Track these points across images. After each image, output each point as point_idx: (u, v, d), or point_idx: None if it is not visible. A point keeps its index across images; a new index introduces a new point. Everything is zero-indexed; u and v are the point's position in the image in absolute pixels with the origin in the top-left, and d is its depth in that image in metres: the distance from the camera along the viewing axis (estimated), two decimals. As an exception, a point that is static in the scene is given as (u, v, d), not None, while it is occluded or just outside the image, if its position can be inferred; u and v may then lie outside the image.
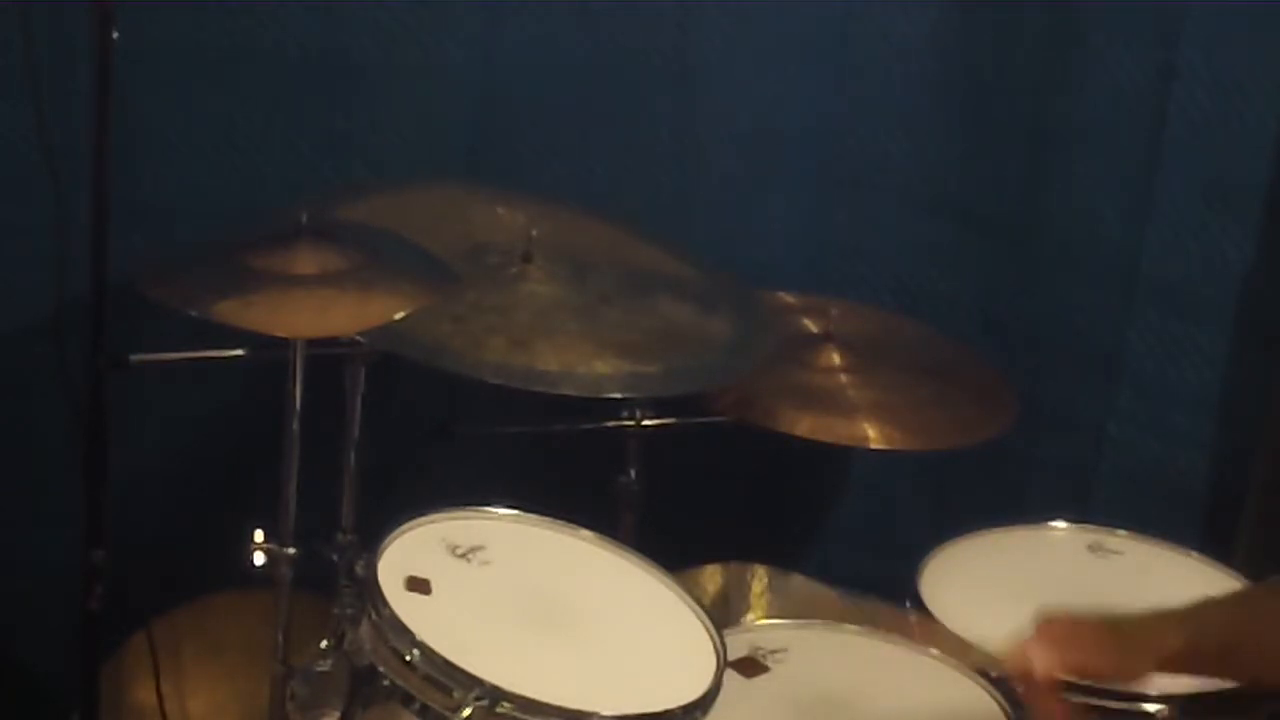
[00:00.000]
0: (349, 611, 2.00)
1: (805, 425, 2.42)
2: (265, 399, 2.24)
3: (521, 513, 2.18)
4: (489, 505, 2.18)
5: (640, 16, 2.68)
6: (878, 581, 2.46)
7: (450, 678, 1.87)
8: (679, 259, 2.53)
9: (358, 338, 2.21)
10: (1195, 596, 1.95)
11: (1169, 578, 2.38)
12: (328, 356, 2.22)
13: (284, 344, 2.17)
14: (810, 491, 2.98)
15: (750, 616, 2.71)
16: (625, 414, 2.52)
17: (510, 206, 2.48)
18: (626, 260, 2.49)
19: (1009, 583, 2.32)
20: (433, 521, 2.12)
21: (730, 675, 2.00)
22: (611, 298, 2.38)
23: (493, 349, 2.21)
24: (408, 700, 1.91)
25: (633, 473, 2.54)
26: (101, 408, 2.24)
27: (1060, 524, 2.47)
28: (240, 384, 2.55)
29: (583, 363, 2.23)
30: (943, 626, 2.16)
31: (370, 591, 1.96)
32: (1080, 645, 1.78)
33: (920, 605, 2.25)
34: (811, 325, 2.60)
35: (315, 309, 2.12)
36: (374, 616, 1.94)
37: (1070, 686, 2.10)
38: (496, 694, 1.85)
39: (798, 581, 2.78)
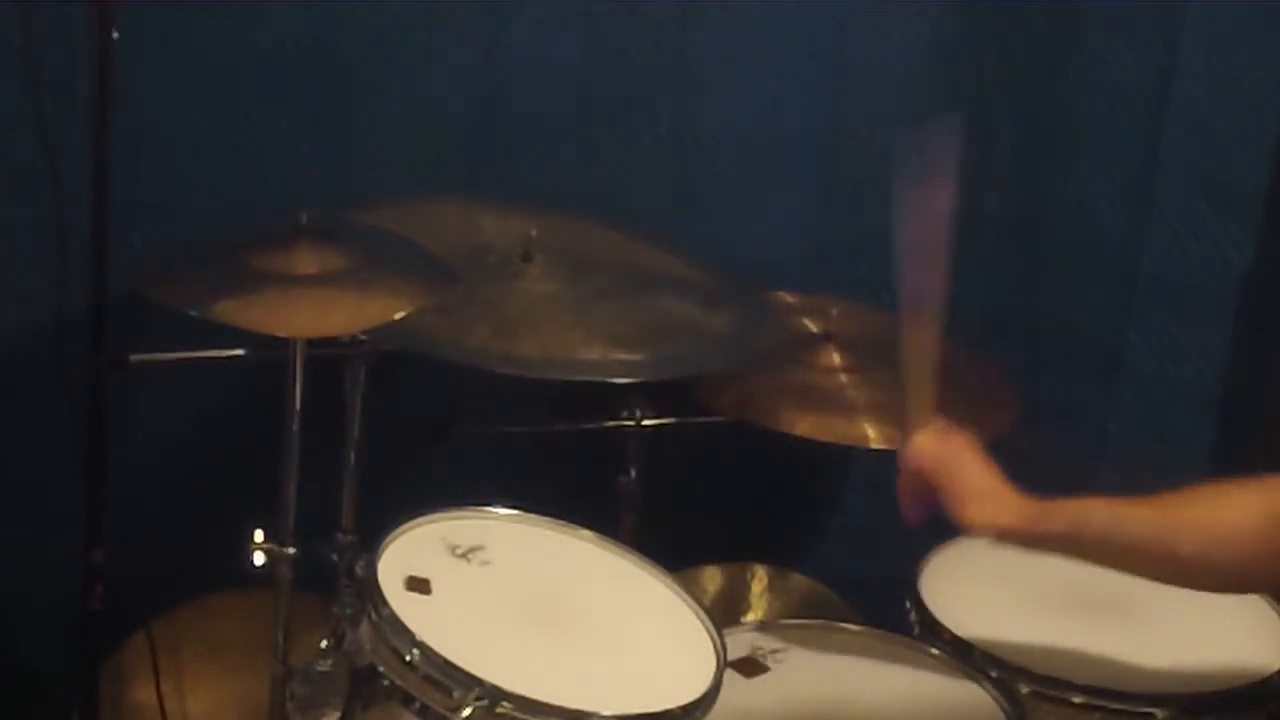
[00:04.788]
0: (349, 611, 2.00)
1: (805, 425, 2.41)
2: (265, 399, 2.24)
3: (521, 513, 2.19)
4: (489, 505, 2.18)
5: (640, 17, 2.67)
6: (878, 581, 2.46)
7: (450, 678, 1.87)
8: (680, 262, 2.53)
9: (358, 337, 2.21)
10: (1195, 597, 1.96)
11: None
12: (328, 356, 2.22)
13: (284, 344, 2.17)
14: (810, 491, 2.98)
15: (750, 616, 2.72)
16: (625, 414, 2.52)
17: (513, 217, 2.48)
18: (626, 262, 2.48)
19: (1009, 583, 2.32)
20: (433, 521, 2.13)
21: (730, 675, 2.00)
22: (608, 294, 2.38)
23: (477, 337, 2.21)
24: (408, 700, 1.91)
25: (633, 473, 2.54)
26: (101, 408, 2.24)
27: (1060, 524, 2.46)
28: (240, 384, 2.54)
29: (566, 350, 2.23)
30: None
31: (370, 591, 1.96)
32: (968, 464, 1.94)
33: (920, 605, 2.25)
34: (811, 325, 2.59)
35: (315, 309, 2.12)
36: (374, 616, 1.94)
37: (1071, 686, 2.11)
38: (496, 694, 1.85)
39: (798, 581, 2.79)
